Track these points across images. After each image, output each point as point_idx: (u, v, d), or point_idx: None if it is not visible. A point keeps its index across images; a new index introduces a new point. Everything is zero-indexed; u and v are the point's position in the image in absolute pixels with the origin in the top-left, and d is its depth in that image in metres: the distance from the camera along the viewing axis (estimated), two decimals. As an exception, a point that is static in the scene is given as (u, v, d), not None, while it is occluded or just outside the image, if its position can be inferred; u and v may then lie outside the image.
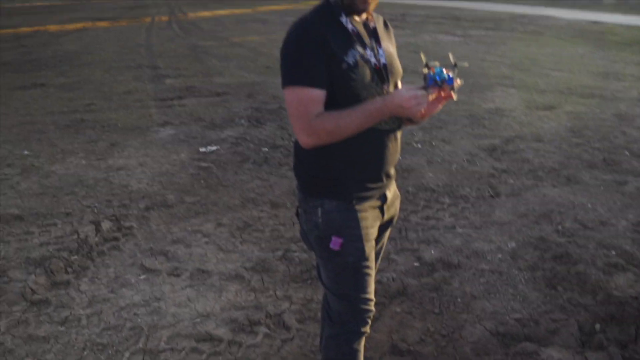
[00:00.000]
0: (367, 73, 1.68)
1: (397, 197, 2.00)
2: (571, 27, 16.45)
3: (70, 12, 31.92)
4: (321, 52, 1.61)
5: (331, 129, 1.62)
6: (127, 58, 12.26)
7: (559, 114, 6.75)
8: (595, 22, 17.64)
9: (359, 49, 1.68)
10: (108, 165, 5.16)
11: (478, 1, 28.61)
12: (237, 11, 28.08)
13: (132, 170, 5.02)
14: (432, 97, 1.61)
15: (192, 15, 26.71)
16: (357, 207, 1.78)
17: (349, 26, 1.70)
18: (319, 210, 1.78)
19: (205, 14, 27.12)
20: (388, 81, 1.75)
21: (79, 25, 22.12)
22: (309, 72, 1.62)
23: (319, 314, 2.86)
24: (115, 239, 3.71)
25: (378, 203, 1.86)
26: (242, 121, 6.63)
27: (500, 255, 3.42)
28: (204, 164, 5.14)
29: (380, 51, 1.74)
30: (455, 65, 1.63)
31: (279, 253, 3.48)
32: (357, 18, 1.76)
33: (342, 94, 1.65)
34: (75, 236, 3.74)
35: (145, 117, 6.97)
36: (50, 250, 3.55)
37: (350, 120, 1.62)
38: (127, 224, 3.92)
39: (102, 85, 9.11)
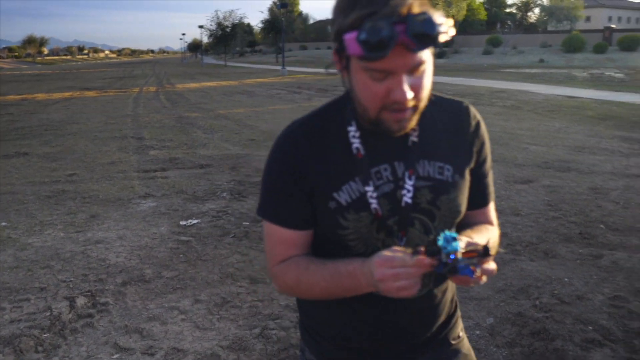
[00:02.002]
0: (368, 220, 1.18)
1: None
2: (548, 102, 16.99)
3: (59, 81, 32.43)
4: (294, 187, 1.21)
5: (292, 284, 1.25)
6: (112, 128, 12.40)
7: (537, 188, 6.88)
8: (570, 97, 18.25)
9: (359, 183, 1.18)
10: (86, 238, 5.12)
11: (458, 76, 29.56)
12: (224, 83, 28.72)
13: (110, 244, 4.98)
14: (417, 269, 1.05)
15: (179, 86, 27.25)
16: None
17: (355, 144, 1.19)
18: (301, 356, 1.45)
19: (193, 85, 27.69)
20: (399, 235, 1.19)
21: (67, 94, 22.45)
22: (277, 210, 1.24)
23: (295, 396, 2.81)
24: (90, 315, 3.64)
25: None
26: (224, 194, 6.66)
27: (478, 332, 3.40)
28: (184, 238, 5.12)
29: (409, 184, 1.19)
30: (484, 252, 1.05)
31: (257, 331, 3.43)
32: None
33: (330, 241, 1.23)
34: (48, 313, 3.67)
35: (127, 188, 6.98)
36: (21, 327, 3.47)
37: (314, 281, 1.20)
38: (102, 299, 3.86)
39: (86, 156, 9.16)
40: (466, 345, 1.45)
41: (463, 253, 1.04)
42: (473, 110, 1.33)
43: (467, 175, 1.29)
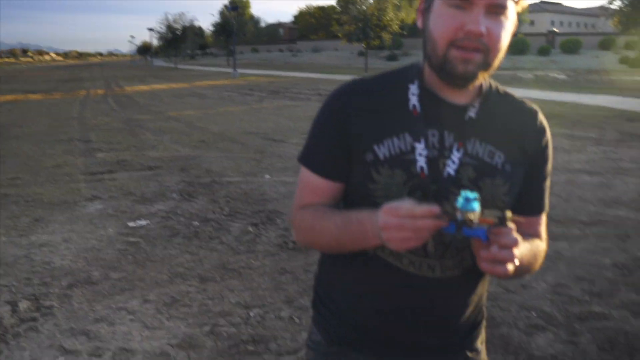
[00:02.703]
0: (401, 179, 1.14)
1: None
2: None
3: (2, 84, 31.33)
4: (336, 133, 1.20)
5: (306, 229, 1.25)
6: (58, 131, 12.06)
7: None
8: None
9: (408, 138, 1.16)
10: (30, 242, 4.97)
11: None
12: (174, 86, 28.35)
13: (55, 247, 4.85)
14: (424, 222, 0.98)
15: (128, 89, 26.74)
16: (343, 354, 1.31)
17: (412, 101, 1.19)
18: (308, 337, 1.41)
19: (143, 88, 27.22)
20: (439, 202, 1.04)
21: (10, 97, 21.71)
22: (313, 155, 1.26)
23: (245, 391, 2.81)
24: (33, 319, 3.54)
25: None
26: (174, 195, 6.57)
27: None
28: (132, 239, 5.03)
29: (456, 156, 1.15)
30: (502, 219, 1.00)
31: (207, 328, 3.40)
32: (445, 93, 1.19)
33: (359, 197, 1.19)
34: (-11, 317, 3.54)
35: (73, 191, 6.81)
36: (-40, 333, 3.34)
37: (326, 227, 1.19)
38: (46, 303, 3.75)
39: (30, 159, 8.88)
40: None
41: (480, 217, 0.98)
42: (541, 115, 1.31)
43: (519, 172, 1.23)
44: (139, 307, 3.70)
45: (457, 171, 1.14)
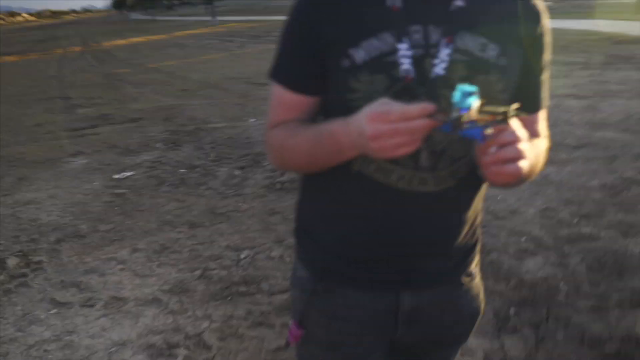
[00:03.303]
0: (383, 85, 1.01)
1: (453, 307, 1.25)
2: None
3: (-25, 48, 30.52)
4: (307, 40, 1.07)
5: (277, 147, 1.15)
6: (36, 91, 11.82)
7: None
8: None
9: (388, 39, 1.02)
10: (15, 201, 4.90)
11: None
12: (153, 38, 27.73)
13: (41, 204, 4.79)
14: (419, 122, 0.87)
15: (106, 44, 26.15)
16: (330, 291, 1.20)
17: None
18: (292, 274, 1.30)
19: (120, 42, 26.61)
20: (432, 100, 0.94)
21: (-16, 61, 21.17)
22: (283, 68, 1.14)
23: (240, 330, 2.82)
24: (23, 275, 3.51)
25: (384, 302, 1.18)
26: (158, 145, 6.48)
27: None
28: (118, 191, 4.97)
29: (444, 53, 1.02)
30: (503, 116, 0.88)
31: (198, 272, 3.39)
32: None
33: (337, 110, 1.04)
34: (-22, 276, 3.52)
35: (56, 148, 6.70)
36: (-50, 293, 3.33)
37: (297, 144, 1.09)
38: (36, 258, 3.73)
39: (9, 120, 8.70)
40: (477, 286, 1.28)
41: (479, 113, 0.87)
42: None
43: (516, 66, 1.09)
44: (128, 256, 3.68)
45: (446, 70, 1.01)
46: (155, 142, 6.60)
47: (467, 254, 1.23)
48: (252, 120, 7.42)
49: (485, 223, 3.78)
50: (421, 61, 1.01)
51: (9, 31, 63.91)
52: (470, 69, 1.03)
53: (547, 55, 1.18)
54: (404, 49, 1.01)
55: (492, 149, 0.89)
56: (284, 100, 1.13)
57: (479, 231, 1.25)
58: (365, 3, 1.05)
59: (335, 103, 1.06)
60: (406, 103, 0.88)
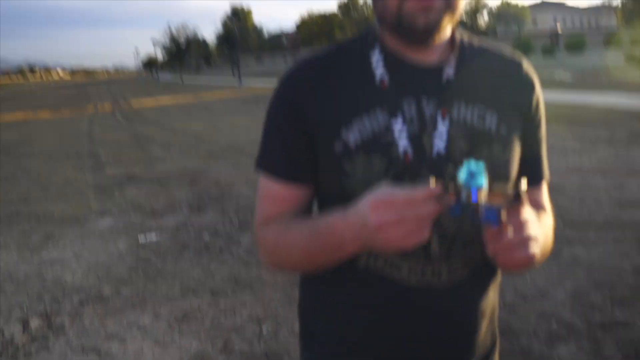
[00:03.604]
0: (381, 167, 0.94)
1: None
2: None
3: (11, 102, 31.55)
4: (294, 125, 1.01)
5: (271, 247, 1.05)
6: (67, 148, 12.11)
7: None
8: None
9: (380, 117, 0.96)
10: (41, 259, 4.95)
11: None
12: (181, 99, 28.44)
13: (66, 263, 4.82)
14: (427, 207, 0.79)
15: (135, 103, 26.87)
16: None
17: (379, 70, 0.99)
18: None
19: (149, 102, 27.34)
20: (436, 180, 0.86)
21: (20, 116, 21.86)
22: (269, 156, 1.06)
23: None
24: (45, 337, 3.50)
25: None
26: (183, 208, 6.54)
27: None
28: (142, 254, 4.99)
29: (442, 128, 0.96)
30: (517, 196, 0.81)
31: (219, 344, 3.34)
32: (413, 55, 1.00)
33: (332, 196, 0.99)
34: (0, 337, 3.51)
35: (83, 207, 6.79)
36: (-28, 354, 3.31)
37: (292, 242, 0.99)
38: (58, 320, 3.71)
39: (40, 176, 8.90)
40: None
41: (490, 194, 0.80)
42: (527, 64, 1.12)
43: (516, 135, 1.04)
44: (150, 322, 3.65)
45: (447, 145, 0.95)
46: (180, 205, 6.66)
47: (487, 354, 1.14)
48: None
49: (513, 305, 3.71)
50: (419, 138, 0.96)
51: (44, 87, 66.20)
52: (472, 141, 0.97)
53: (544, 125, 1.15)
54: (398, 126, 0.96)
55: (510, 233, 0.81)
56: (273, 192, 1.05)
57: (497, 331, 1.16)
58: (353, 81, 1.00)
59: (330, 189, 0.99)
60: (409, 187, 0.81)
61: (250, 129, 14.02)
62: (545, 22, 71.58)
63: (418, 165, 0.94)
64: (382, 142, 0.95)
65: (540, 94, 1.12)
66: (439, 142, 0.95)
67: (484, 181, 0.79)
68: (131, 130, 15.22)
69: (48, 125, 17.48)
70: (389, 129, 0.95)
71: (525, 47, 44.49)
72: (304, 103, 0.99)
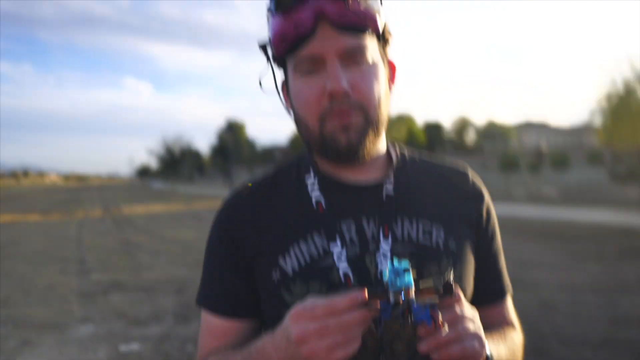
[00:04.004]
0: (320, 294, 0.88)
1: None
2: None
3: (1, 204, 31.52)
4: (230, 257, 1.00)
5: None
6: (54, 252, 11.95)
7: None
8: (511, 216, 18.94)
9: (318, 241, 0.95)
10: (15, 368, 4.72)
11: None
12: (172, 207, 28.55)
13: (42, 373, 4.60)
14: (352, 315, 0.76)
15: (126, 210, 26.91)
16: None
17: (314, 194, 1.00)
18: None
19: (140, 210, 27.39)
20: (364, 284, 0.88)
21: (8, 217, 21.75)
22: (207, 291, 1.05)
23: None
24: None
25: None
26: (168, 317, 6.36)
27: None
28: (123, 364, 4.78)
29: (385, 247, 0.94)
30: (447, 290, 0.80)
31: None
32: (348, 175, 1.01)
33: (275, 325, 0.88)
34: None
35: (65, 312, 6.59)
36: None
37: None
38: None
39: (23, 279, 8.70)
40: None
41: (417, 290, 0.78)
42: (473, 174, 1.11)
43: (467, 249, 1.02)
44: None
45: (389, 266, 0.87)
46: (165, 314, 6.48)
47: None
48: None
49: None
50: (361, 260, 0.94)
51: (36, 191, 66.46)
52: (418, 259, 0.94)
53: (498, 236, 1.12)
54: (337, 249, 0.94)
55: (445, 330, 0.77)
56: (213, 326, 1.03)
57: None
58: (289, 206, 1.00)
59: (273, 318, 0.92)
60: (333, 296, 0.78)
61: (240, 238, 14.01)
62: (530, 140, 74.18)
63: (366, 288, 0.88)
64: (320, 268, 0.93)
65: (490, 204, 1.10)
66: (383, 262, 0.93)
67: (410, 279, 0.76)
68: (120, 236, 15.13)
69: (36, 228, 17.34)
70: (327, 253, 0.94)
71: (511, 163, 45.74)
72: (240, 234, 1.00)
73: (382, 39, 0.99)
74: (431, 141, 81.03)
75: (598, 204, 22.82)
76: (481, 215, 1.07)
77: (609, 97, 24.56)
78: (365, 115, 0.94)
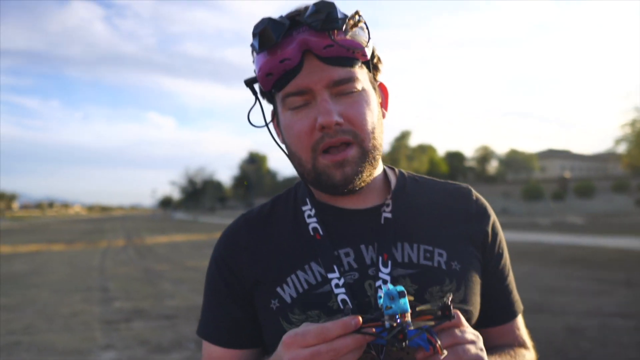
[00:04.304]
0: (318, 321, 0.92)
1: None
2: (515, 248, 17.28)
3: (27, 235, 31.96)
4: (229, 288, 1.02)
5: None
6: (77, 280, 12.05)
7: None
8: (536, 242, 18.65)
9: (316, 269, 0.96)
10: (39, 393, 4.72)
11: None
12: (193, 237, 28.67)
13: (65, 398, 4.59)
14: (345, 341, 0.76)
15: (148, 240, 27.10)
16: None
17: (311, 222, 1.00)
18: None
19: (162, 239, 27.57)
20: (362, 309, 0.92)
21: (33, 247, 22.04)
22: (209, 322, 1.06)
23: None
24: None
25: None
26: (191, 345, 6.34)
27: None
28: (145, 390, 4.76)
29: (384, 273, 0.94)
30: (444, 312, 0.78)
31: None
32: (345, 202, 1.01)
33: (274, 351, 0.91)
34: None
35: (88, 340, 6.61)
36: None
37: None
38: None
39: (47, 307, 8.77)
40: None
41: (414, 314, 0.76)
42: (476, 194, 1.10)
43: (473, 270, 1.00)
44: None
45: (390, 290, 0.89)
46: (187, 342, 6.47)
47: None
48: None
49: None
50: (360, 286, 0.93)
51: (61, 222, 67.34)
52: (420, 281, 0.94)
53: (506, 256, 1.09)
54: (335, 278, 0.93)
55: (442, 353, 0.75)
56: (214, 356, 1.04)
57: None
58: (287, 236, 1.01)
59: (272, 347, 0.92)
60: (327, 322, 0.78)
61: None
62: (553, 168, 73.43)
63: (361, 314, 0.88)
64: (319, 295, 0.93)
65: (495, 223, 1.08)
66: (383, 287, 0.91)
67: (405, 303, 0.75)
68: (142, 265, 15.21)
69: (60, 258, 17.52)
70: (326, 281, 0.94)
71: (535, 192, 45.25)
72: (238, 263, 1.01)
73: (372, 66, 0.99)
74: (453, 170, 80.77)
75: (624, 231, 22.40)
76: (486, 234, 1.05)
77: (633, 124, 24.32)
78: (359, 145, 0.93)
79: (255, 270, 0.98)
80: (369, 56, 0.95)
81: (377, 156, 0.97)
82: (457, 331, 0.79)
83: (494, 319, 1.04)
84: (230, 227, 1.08)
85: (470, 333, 0.81)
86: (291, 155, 0.99)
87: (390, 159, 43.63)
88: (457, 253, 0.98)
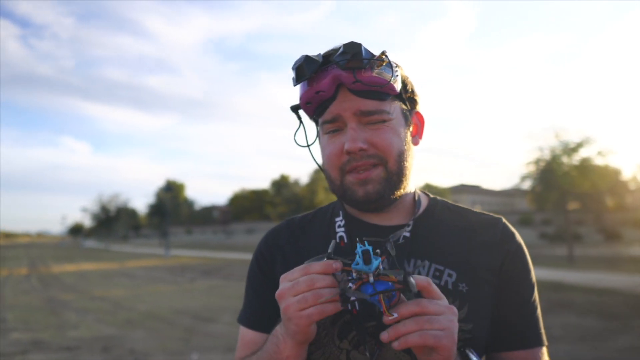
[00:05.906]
0: (328, 318, 1.04)
1: None
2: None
3: None
4: (263, 280, 1.18)
5: None
6: (-30, 312, 11.23)
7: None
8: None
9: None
10: None
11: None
12: (104, 266, 27.57)
13: None
14: (321, 278, 0.88)
15: (55, 268, 25.78)
16: None
17: (339, 232, 1.14)
18: None
19: (70, 268, 26.31)
20: (372, 349, 1.01)
21: None
22: (245, 306, 1.22)
23: None
24: None
25: None
26: (92, 376, 6.08)
27: None
28: None
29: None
30: (404, 281, 0.84)
31: None
32: (374, 219, 1.13)
33: None
34: None
35: (-22, 374, 6.19)
36: None
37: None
38: None
39: None
40: None
41: (378, 275, 0.84)
42: (505, 223, 1.17)
43: (482, 294, 1.07)
44: None
45: None
46: (89, 373, 6.19)
47: None
48: (194, 356, 7.12)
49: None
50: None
51: (-45, 250, 62.69)
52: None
53: (530, 286, 1.13)
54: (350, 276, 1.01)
55: (390, 314, 0.84)
56: (246, 338, 1.20)
57: None
58: (319, 240, 1.17)
59: None
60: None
61: (173, 297, 13.61)
62: (465, 202, 76.38)
63: (365, 318, 1.02)
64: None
65: (518, 252, 1.14)
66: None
67: (371, 265, 0.84)
68: (46, 294, 14.42)
69: (-46, 289, 16.30)
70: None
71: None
72: (272, 259, 1.18)
73: (405, 98, 1.11)
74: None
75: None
76: (504, 260, 1.11)
77: (536, 162, 25.83)
78: (385, 166, 1.06)
79: (283, 269, 1.05)
80: (397, 90, 1.06)
81: (403, 179, 1.09)
82: (425, 301, 0.85)
83: (510, 343, 1.09)
84: (274, 227, 1.26)
85: (442, 305, 0.86)
86: (325, 173, 1.13)
87: (309, 190, 43.94)
88: (467, 276, 1.07)
